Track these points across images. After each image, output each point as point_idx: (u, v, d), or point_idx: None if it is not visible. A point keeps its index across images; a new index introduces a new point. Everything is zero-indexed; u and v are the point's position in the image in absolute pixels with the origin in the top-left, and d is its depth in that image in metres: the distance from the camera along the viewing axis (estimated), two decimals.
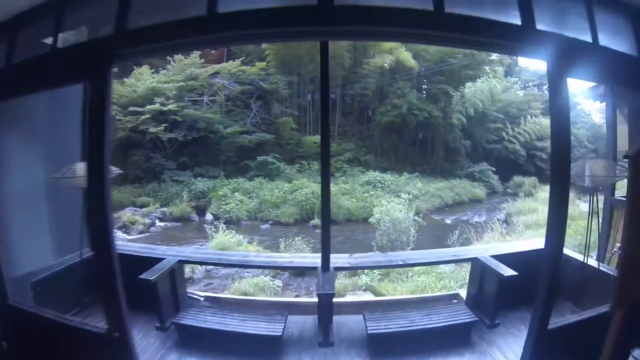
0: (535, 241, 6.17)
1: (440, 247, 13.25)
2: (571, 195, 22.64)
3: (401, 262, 5.77)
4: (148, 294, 4.51)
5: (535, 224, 16.03)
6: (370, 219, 10.34)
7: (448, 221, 21.41)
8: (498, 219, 20.90)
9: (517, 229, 14.08)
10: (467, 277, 6.05)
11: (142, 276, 4.45)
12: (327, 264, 4.95)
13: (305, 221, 18.88)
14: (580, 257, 5.06)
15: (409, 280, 9.18)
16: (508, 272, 4.56)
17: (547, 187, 14.81)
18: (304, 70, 29.59)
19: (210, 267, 10.83)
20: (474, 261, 5.36)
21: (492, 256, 5.17)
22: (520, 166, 39.92)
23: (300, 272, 10.49)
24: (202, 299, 5.87)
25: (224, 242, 11.94)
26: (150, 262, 4.92)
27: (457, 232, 13.47)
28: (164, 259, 5.09)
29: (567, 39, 3.27)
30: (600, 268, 4.75)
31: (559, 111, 3.40)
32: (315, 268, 5.14)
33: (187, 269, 10.21)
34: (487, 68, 37.37)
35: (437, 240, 14.02)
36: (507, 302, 4.84)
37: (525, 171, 39.13)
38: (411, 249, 10.39)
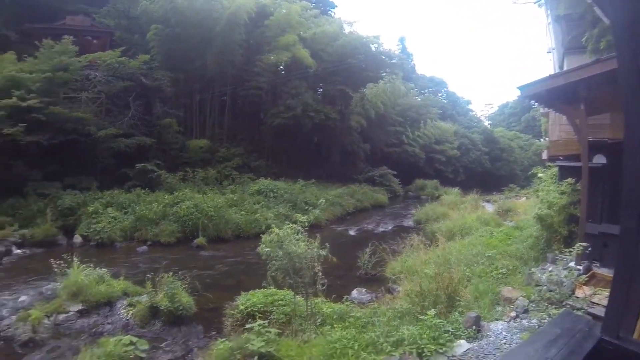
0: None
1: (353, 279, 11.85)
2: (474, 196, 23.11)
3: None
4: None
5: (451, 232, 15.35)
6: (258, 249, 7.63)
7: (352, 232, 20.70)
8: (406, 226, 20.66)
9: (434, 239, 12.97)
10: None
11: None
12: None
13: (188, 240, 16.96)
14: None
15: (321, 332, 6.77)
16: None
17: (450, 190, 20.22)
18: (191, 66, 27.63)
19: (63, 318, 8.88)
20: None
21: None
22: (420, 169, 41.79)
23: (177, 318, 8.73)
24: None
25: (79, 281, 9.50)
26: None
27: (367, 249, 12.25)
28: None
29: None
30: None
31: None
32: None
33: (28, 325, 8.33)
34: (387, 70, 37.90)
35: (346, 262, 12.16)
36: None
37: (425, 174, 41.14)
38: (324, 301, 8.16)
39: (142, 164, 21.55)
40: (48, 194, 18.58)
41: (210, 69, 27.79)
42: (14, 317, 8.77)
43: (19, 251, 15.09)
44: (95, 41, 28.46)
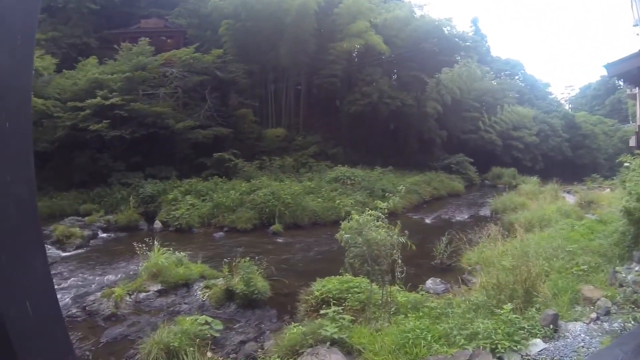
0: None
1: (428, 268, 11.27)
2: (554, 186, 21.63)
3: None
4: None
5: (529, 224, 14.31)
6: (337, 236, 7.70)
7: (428, 221, 20.18)
8: (483, 216, 20.00)
9: (512, 229, 12.36)
10: None
11: None
12: None
13: (264, 227, 16.88)
14: None
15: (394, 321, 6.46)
16: None
17: (528, 179, 16.34)
18: (264, 58, 27.82)
19: (143, 296, 9.18)
20: None
21: None
22: (497, 157, 39.68)
23: (252, 301, 8.74)
24: None
25: (159, 263, 9.96)
26: None
27: (443, 239, 11.76)
28: None
29: None
30: None
31: None
32: None
33: (111, 301, 8.71)
34: (462, 53, 36.52)
35: (422, 251, 11.16)
36: None
37: (502, 161, 39.03)
38: (399, 290, 7.80)
39: (219, 154, 22.07)
40: (131, 183, 19.76)
41: (283, 59, 27.88)
42: (98, 294, 9.32)
43: (104, 235, 16.30)
44: (169, 40, 29.81)
